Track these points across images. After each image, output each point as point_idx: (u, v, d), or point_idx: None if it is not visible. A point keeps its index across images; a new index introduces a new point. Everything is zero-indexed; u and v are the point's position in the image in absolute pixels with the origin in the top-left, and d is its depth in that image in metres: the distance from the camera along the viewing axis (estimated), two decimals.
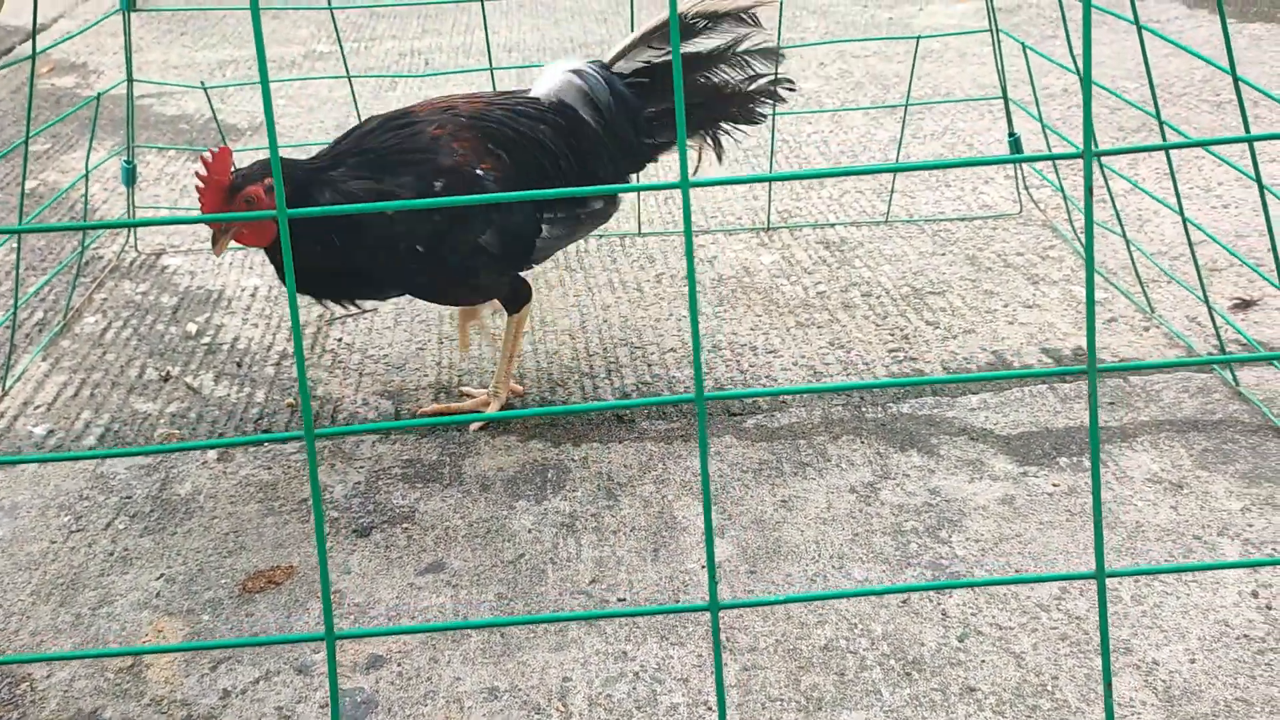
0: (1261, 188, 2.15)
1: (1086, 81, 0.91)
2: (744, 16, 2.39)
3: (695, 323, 0.96)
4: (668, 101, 2.40)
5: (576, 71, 2.36)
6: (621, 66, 2.40)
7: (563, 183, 2.30)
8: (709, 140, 2.51)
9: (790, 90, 2.49)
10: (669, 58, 2.36)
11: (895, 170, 0.97)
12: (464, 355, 2.70)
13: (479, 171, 2.22)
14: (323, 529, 1.04)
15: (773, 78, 2.45)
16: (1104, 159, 2.90)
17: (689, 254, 0.93)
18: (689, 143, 2.51)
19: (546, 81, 2.37)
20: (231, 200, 2.11)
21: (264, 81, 0.90)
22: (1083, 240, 3.03)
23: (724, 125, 2.49)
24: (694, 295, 0.94)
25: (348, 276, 2.25)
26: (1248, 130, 1.95)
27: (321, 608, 1.83)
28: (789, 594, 1.90)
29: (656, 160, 2.48)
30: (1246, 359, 1.37)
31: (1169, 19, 5.03)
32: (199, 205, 2.14)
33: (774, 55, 2.45)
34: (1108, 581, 1.88)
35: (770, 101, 2.47)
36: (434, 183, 2.20)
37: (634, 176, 2.52)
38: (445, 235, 2.21)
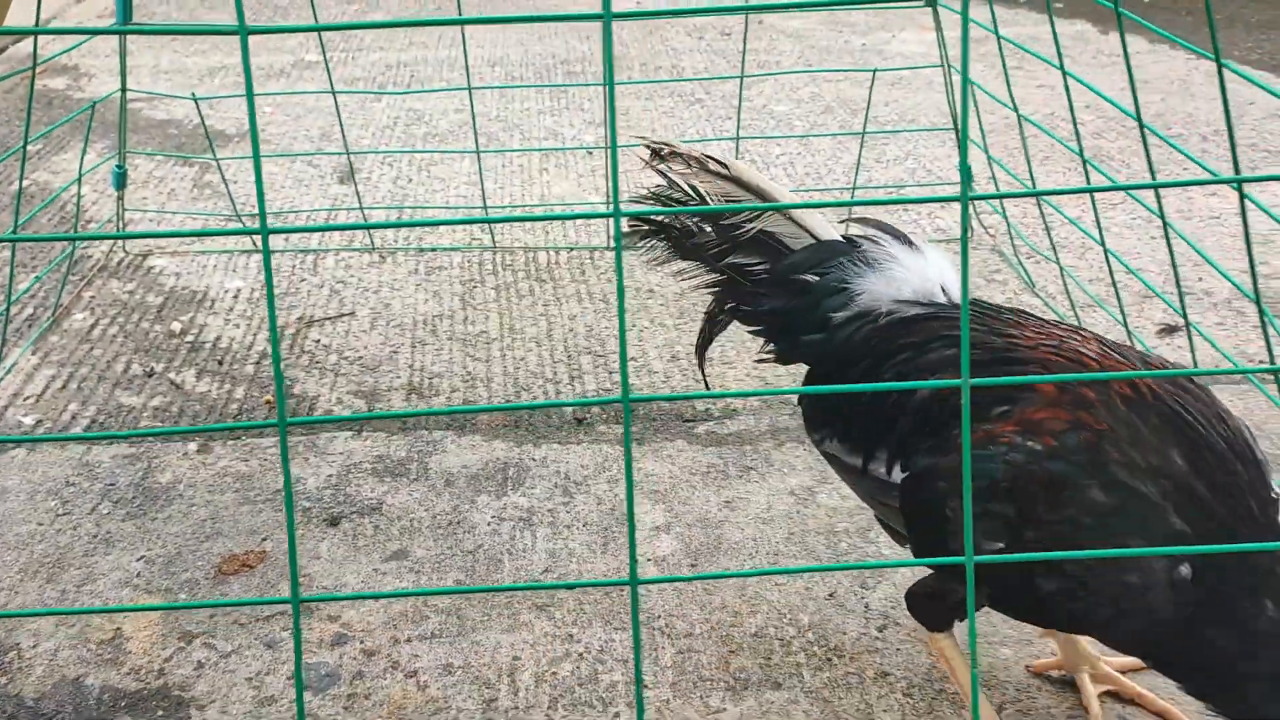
0: (1166, 226, 2.31)
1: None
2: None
3: (623, 332, 1.11)
4: None
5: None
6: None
7: None
8: None
9: None
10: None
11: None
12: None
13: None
14: (291, 504, 1.19)
15: None
16: (1049, 196, 3.06)
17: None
18: None
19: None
20: None
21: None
22: (1025, 267, 3.20)
23: None
24: (622, 300, 1.09)
25: None
26: (1237, 171, 2.11)
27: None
28: (717, 586, 2.06)
29: None
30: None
31: (1133, 52, 5.21)
32: None
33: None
34: None
35: None
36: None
37: None
38: None
